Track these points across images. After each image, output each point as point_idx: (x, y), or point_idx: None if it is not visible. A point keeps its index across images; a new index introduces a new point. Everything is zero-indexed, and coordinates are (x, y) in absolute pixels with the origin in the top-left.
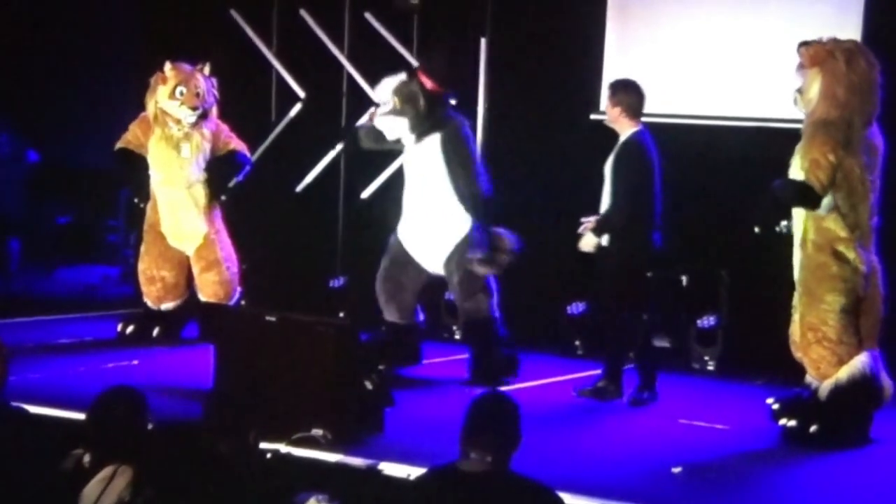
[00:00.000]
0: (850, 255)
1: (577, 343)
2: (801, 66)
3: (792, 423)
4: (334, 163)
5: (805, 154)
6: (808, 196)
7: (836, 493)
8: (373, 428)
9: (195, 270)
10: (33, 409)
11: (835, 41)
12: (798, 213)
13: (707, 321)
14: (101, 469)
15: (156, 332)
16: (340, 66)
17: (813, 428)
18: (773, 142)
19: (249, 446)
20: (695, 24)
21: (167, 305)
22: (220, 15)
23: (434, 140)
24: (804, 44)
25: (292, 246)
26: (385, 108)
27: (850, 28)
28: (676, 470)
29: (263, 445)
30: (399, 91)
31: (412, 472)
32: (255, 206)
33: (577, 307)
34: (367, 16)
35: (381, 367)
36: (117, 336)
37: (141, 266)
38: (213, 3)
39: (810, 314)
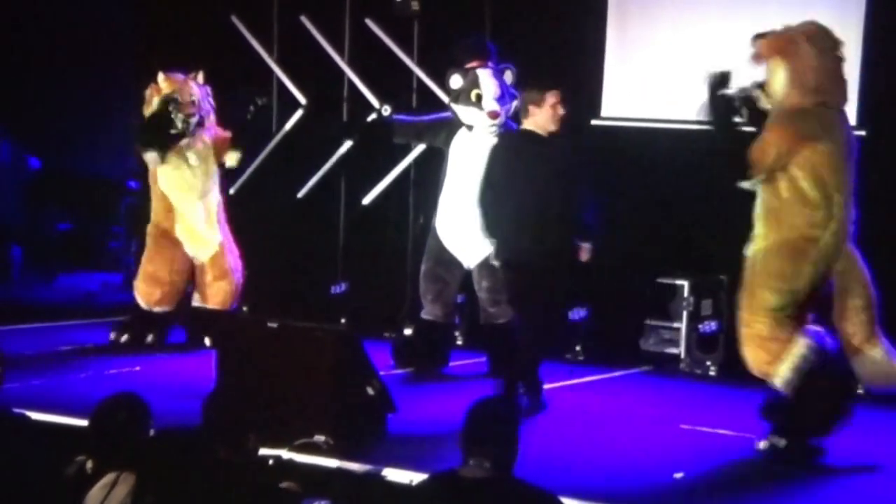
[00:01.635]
0: (812, 253)
1: (578, 348)
2: (757, 58)
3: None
4: (335, 169)
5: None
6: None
7: (841, 498)
8: (374, 434)
9: (208, 278)
10: (35, 416)
11: (792, 27)
12: (762, 206)
13: (708, 326)
14: (103, 475)
15: (150, 338)
16: (341, 73)
17: (782, 443)
18: None
19: (249, 452)
20: (695, 29)
21: (160, 309)
22: (221, 22)
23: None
24: (760, 35)
25: (294, 252)
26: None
27: (850, 36)
28: (678, 475)
29: (265, 451)
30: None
31: (414, 477)
32: (257, 212)
33: (578, 313)
34: (368, 22)
35: (411, 368)
36: (110, 344)
37: (150, 268)
38: (213, 11)
39: (743, 309)
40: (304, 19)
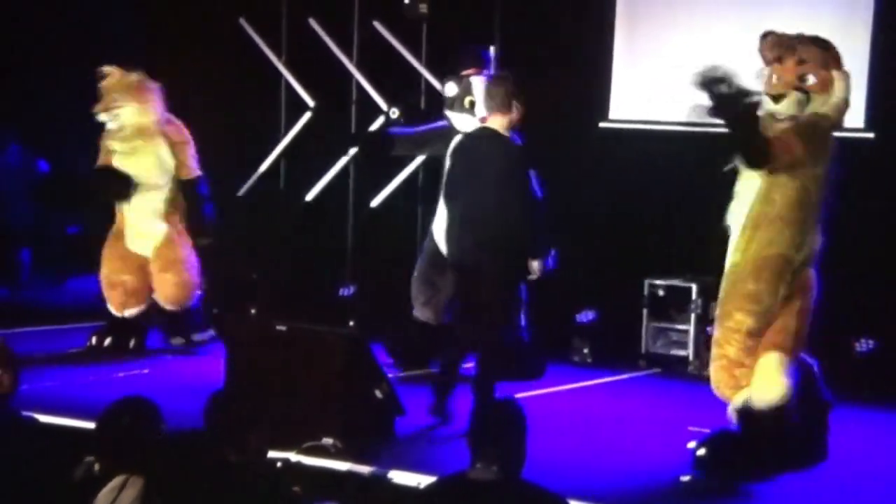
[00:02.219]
0: (787, 274)
1: (586, 351)
2: (810, 66)
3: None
4: (344, 172)
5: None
6: (756, 142)
7: (846, 497)
8: (382, 436)
9: (153, 270)
10: (44, 419)
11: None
12: (747, 219)
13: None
14: (111, 478)
15: (132, 343)
16: (350, 75)
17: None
18: None
19: (257, 454)
20: (703, 34)
21: (130, 311)
22: (229, 25)
23: None
24: (768, 33)
25: (302, 254)
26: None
27: (857, 40)
28: (685, 478)
29: (274, 454)
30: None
31: (422, 480)
32: (265, 214)
33: (585, 315)
34: (376, 24)
35: (398, 370)
36: (87, 349)
37: (102, 272)
38: (222, 13)
39: (717, 328)
40: (312, 22)
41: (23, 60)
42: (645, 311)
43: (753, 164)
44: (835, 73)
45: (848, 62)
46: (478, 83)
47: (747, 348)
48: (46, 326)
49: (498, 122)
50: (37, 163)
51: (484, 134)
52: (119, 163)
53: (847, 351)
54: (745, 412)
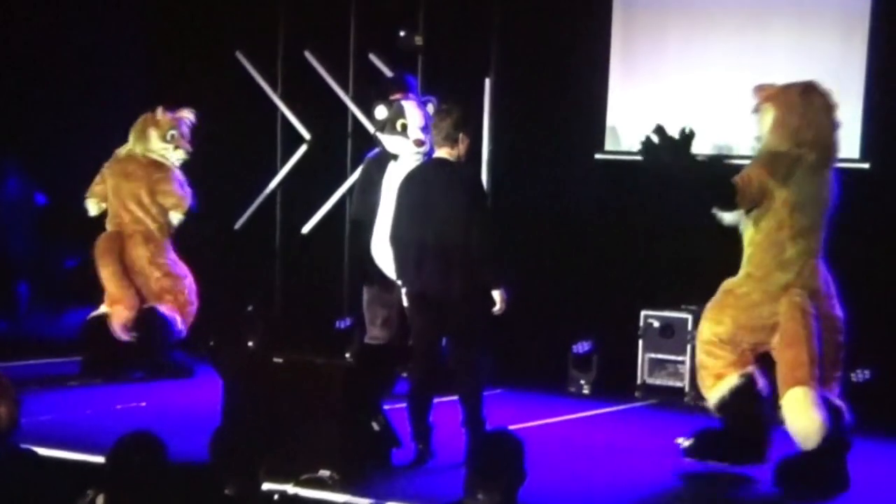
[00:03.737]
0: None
1: (582, 382)
2: (756, 108)
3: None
4: (340, 204)
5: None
6: (721, 190)
7: None
8: (380, 468)
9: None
10: (43, 451)
11: (793, 82)
12: (745, 240)
13: None
14: None
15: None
16: (345, 108)
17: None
18: None
19: (255, 487)
20: (699, 62)
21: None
22: (225, 57)
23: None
24: (759, 86)
25: (299, 287)
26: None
27: (854, 63)
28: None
29: (271, 486)
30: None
31: None
32: (262, 247)
33: (582, 346)
34: (372, 57)
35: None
36: (80, 371)
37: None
38: (218, 46)
39: (700, 333)
40: (308, 54)
41: (21, 91)
42: (641, 342)
43: (724, 204)
44: (765, 106)
45: (844, 93)
46: (410, 107)
47: (715, 353)
48: (44, 359)
49: (446, 153)
50: (34, 196)
51: (438, 164)
52: None
53: (843, 381)
54: (719, 408)
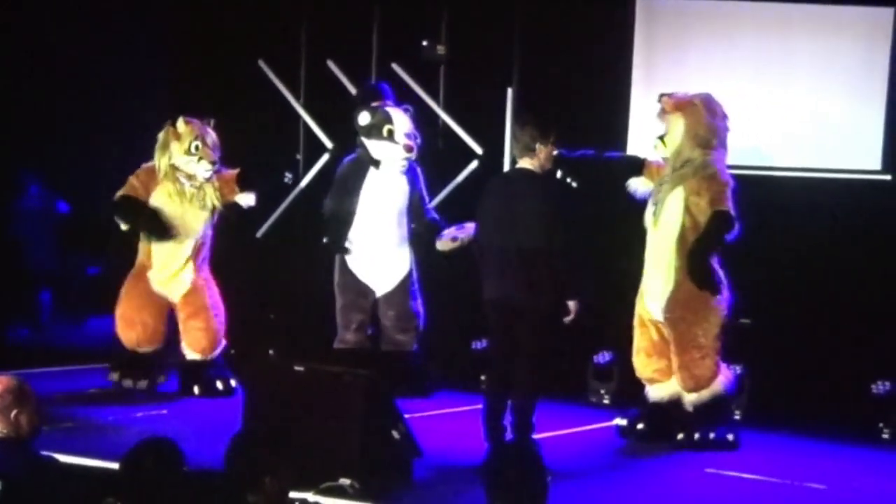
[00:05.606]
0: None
1: (603, 392)
2: (662, 113)
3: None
4: None
5: (708, 187)
6: (729, 223)
7: None
8: (400, 478)
9: (181, 317)
10: (64, 459)
11: (692, 94)
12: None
13: (732, 370)
14: None
15: (142, 383)
16: None
17: (680, 435)
18: (781, 189)
19: (277, 497)
20: (722, 70)
21: (143, 350)
22: (248, 66)
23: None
24: (665, 94)
25: (320, 296)
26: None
27: (876, 74)
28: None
29: (292, 495)
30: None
31: None
32: (283, 256)
33: (602, 356)
34: (395, 66)
35: None
36: (113, 385)
37: (121, 308)
38: (241, 55)
39: (694, 332)
40: (331, 64)
41: (43, 100)
42: None
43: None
44: (674, 115)
45: (865, 105)
46: (396, 113)
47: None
48: (67, 367)
49: (527, 164)
50: (56, 204)
51: (520, 174)
52: (169, 208)
53: (864, 393)
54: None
